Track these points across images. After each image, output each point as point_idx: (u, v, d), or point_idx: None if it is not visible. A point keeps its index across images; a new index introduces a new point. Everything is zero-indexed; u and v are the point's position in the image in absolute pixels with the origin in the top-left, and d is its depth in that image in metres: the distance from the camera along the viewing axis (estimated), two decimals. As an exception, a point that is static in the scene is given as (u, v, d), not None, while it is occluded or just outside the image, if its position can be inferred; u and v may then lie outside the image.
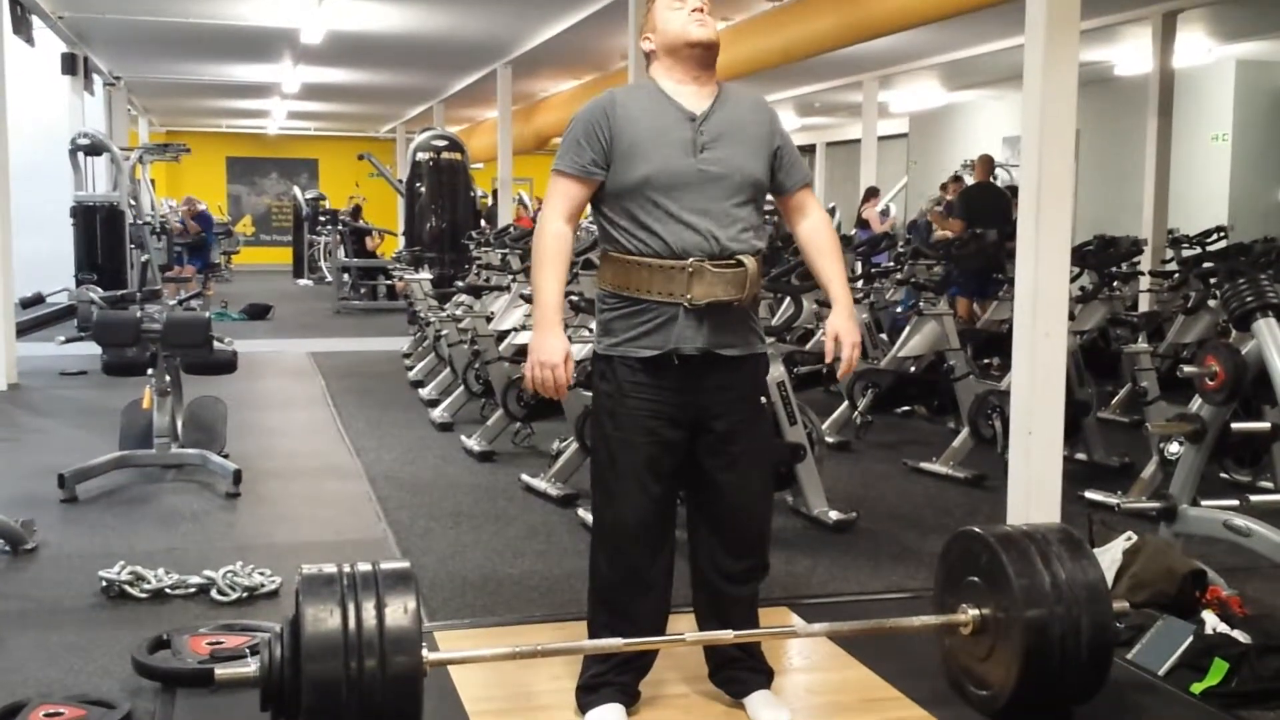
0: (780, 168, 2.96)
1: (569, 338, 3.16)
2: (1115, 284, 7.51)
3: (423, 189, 14.47)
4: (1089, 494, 5.20)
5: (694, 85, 2.89)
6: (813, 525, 4.93)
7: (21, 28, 10.06)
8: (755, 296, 2.92)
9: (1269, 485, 4.91)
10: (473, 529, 4.89)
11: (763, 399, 3.09)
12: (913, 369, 6.47)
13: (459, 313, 7.63)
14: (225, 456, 5.65)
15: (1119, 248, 8.33)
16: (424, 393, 8.06)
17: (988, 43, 11.46)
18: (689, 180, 2.81)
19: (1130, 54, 12.13)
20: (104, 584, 3.94)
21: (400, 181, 16.58)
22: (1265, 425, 4.17)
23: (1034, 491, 4.31)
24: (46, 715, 2.91)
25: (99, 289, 6.83)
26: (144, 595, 3.91)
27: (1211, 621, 3.46)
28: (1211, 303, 6.71)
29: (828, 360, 2.96)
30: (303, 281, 19.93)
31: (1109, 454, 5.99)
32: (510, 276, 7.98)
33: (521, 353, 6.41)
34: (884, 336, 8.46)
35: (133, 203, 12.77)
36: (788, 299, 7.54)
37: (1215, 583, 3.75)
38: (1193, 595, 3.67)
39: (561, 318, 2.89)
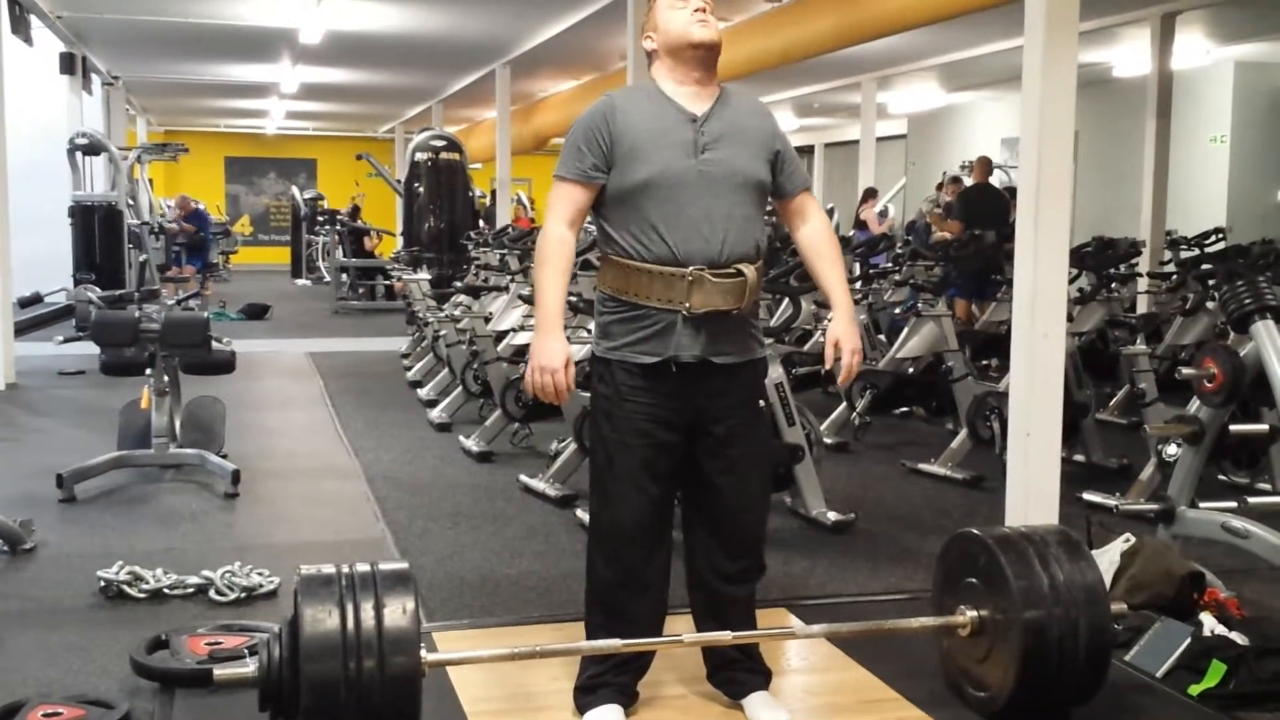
0: (781, 171, 2.97)
1: (568, 339, 3.16)
2: (1114, 285, 7.52)
3: (421, 189, 14.47)
4: (1087, 495, 5.20)
5: (695, 87, 2.89)
6: (811, 526, 4.93)
7: (20, 27, 10.06)
8: (755, 303, 2.92)
9: (1267, 487, 4.91)
10: (471, 529, 4.89)
11: (761, 402, 3.09)
12: (911, 370, 6.48)
13: (457, 313, 7.63)
14: (224, 456, 5.65)
15: (1117, 249, 8.34)
16: (422, 393, 8.06)
17: (986, 44, 11.46)
18: (690, 181, 2.81)
19: (1129, 55, 12.13)
20: (102, 584, 3.94)
21: (399, 182, 16.58)
22: (1263, 427, 4.17)
23: (1032, 493, 4.31)
24: (45, 715, 2.91)
25: (97, 289, 6.84)
26: (142, 595, 3.91)
27: (1209, 623, 3.47)
28: (1210, 305, 6.72)
29: (827, 365, 2.97)
30: (301, 281, 19.93)
31: (1107, 455, 5.99)
32: (509, 277, 7.98)
33: (520, 353, 6.42)
34: (882, 338, 8.47)
35: (131, 202, 12.75)
36: (786, 299, 7.55)
37: (1213, 585, 3.76)
38: (1191, 597, 3.68)
39: (563, 322, 2.89)
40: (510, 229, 10.95)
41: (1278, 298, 3.91)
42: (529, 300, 6.30)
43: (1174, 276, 8.26)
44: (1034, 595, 2.90)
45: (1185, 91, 11.50)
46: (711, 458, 2.93)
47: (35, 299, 8.34)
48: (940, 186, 13.96)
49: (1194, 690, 3.21)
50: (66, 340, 6.07)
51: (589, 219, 2.98)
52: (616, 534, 2.93)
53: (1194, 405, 4.06)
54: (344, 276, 15.82)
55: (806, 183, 3.06)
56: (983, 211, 10.12)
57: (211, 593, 3.92)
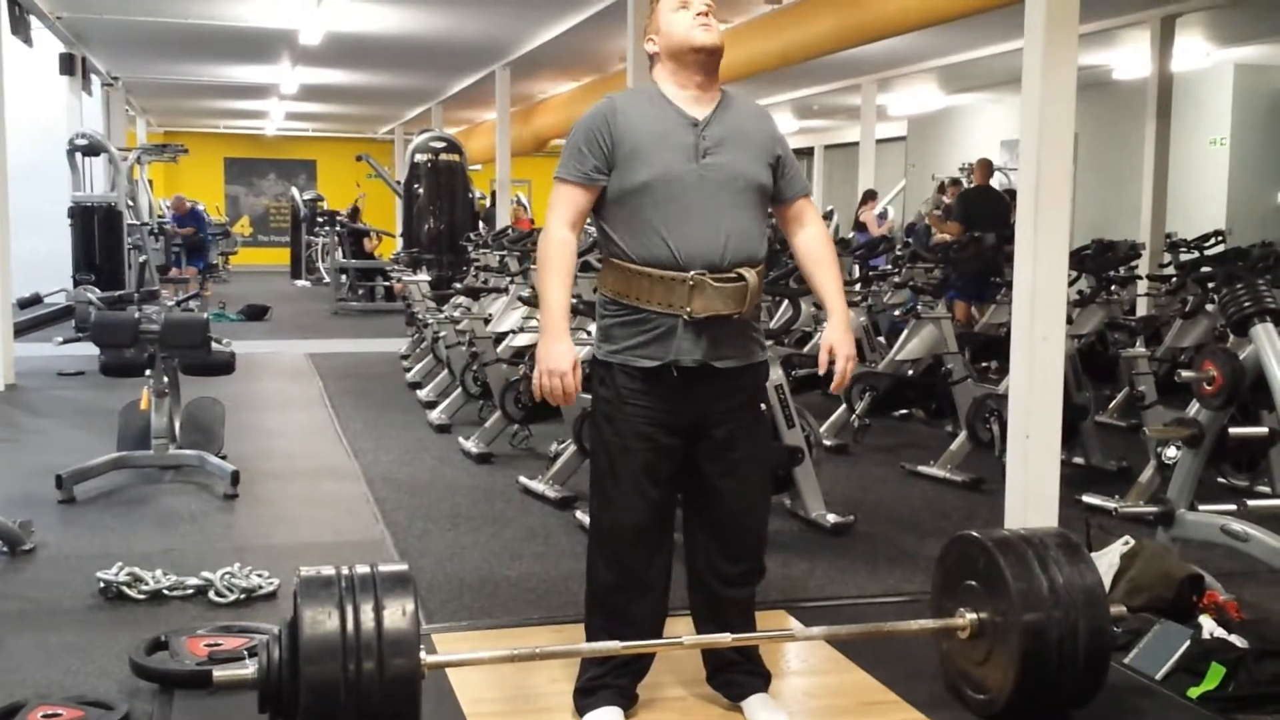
0: (781, 176, 2.96)
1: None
2: (1113, 288, 7.52)
3: (421, 190, 14.47)
4: (1086, 498, 5.21)
5: (696, 90, 2.89)
6: (810, 528, 4.93)
7: (19, 28, 10.05)
8: (757, 307, 2.92)
9: (1266, 490, 4.91)
10: (471, 531, 4.89)
11: (762, 405, 3.09)
12: (911, 372, 6.48)
13: (457, 314, 7.63)
14: (223, 458, 5.64)
15: (1117, 251, 8.34)
16: (422, 394, 8.06)
17: (986, 46, 11.46)
18: (691, 185, 2.81)
19: (1129, 58, 12.13)
20: (102, 585, 3.94)
21: (398, 183, 16.58)
22: (1263, 430, 4.17)
23: (1031, 495, 4.31)
24: (45, 716, 2.91)
25: (97, 289, 6.82)
26: (142, 596, 3.91)
27: (1208, 626, 3.47)
28: (1209, 307, 6.72)
29: (821, 371, 2.97)
30: (300, 282, 19.93)
31: (1107, 458, 5.99)
32: (508, 278, 7.98)
33: (519, 354, 6.42)
34: (882, 340, 8.47)
35: (130, 203, 12.76)
36: (785, 301, 7.55)
37: (1212, 587, 3.76)
38: (1190, 600, 3.68)
39: (568, 325, 2.89)
40: (510, 230, 10.94)
41: (1277, 300, 3.91)
42: (528, 302, 6.30)
43: (1174, 279, 8.26)
44: (1033, 598, 2.90)
45: (1185, 94, 11.51)
46: (712, 461, 2.93)
47: (35, 300, 8.33)
48: (942, 189, 13.96)
49: (1193, 693, 3.21)
50: (66, 341, 6.07)
51: (589, 220, 2.98)
52: (617, 536, 2.93)
53: (1193, 408, 4.06)
54: (343, 278, 15.82)
55: (805, 188, 3.06)
56: (982, 214, 10.12)
57: (211, 594, 3.92)
